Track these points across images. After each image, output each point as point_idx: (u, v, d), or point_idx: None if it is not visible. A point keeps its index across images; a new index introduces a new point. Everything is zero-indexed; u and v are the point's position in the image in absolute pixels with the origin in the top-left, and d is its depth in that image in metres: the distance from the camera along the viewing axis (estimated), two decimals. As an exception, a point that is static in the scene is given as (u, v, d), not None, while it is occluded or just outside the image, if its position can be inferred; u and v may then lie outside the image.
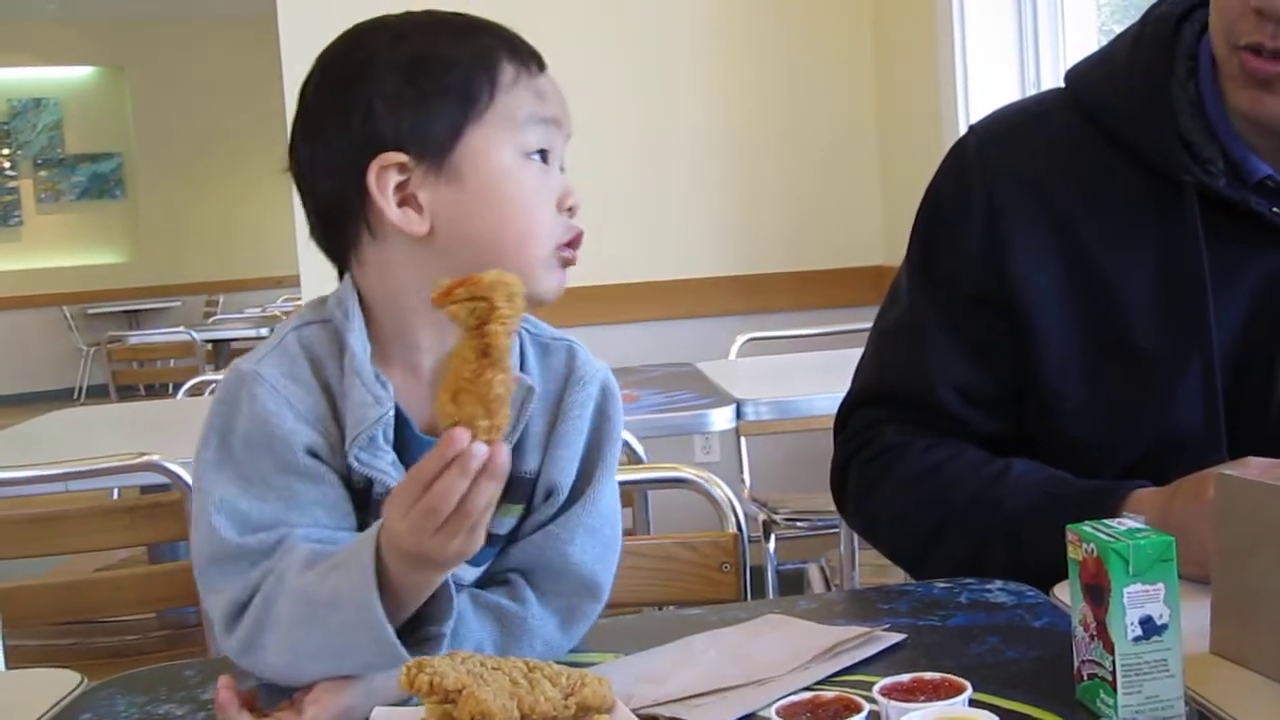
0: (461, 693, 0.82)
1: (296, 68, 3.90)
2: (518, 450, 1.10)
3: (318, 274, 4.09)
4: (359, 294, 1.09)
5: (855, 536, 2.55)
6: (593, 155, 4.04)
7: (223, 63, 11.83)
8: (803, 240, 4.13)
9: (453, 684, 0.82)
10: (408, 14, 1.11)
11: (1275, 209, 1.22)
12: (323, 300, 1.12)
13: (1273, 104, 1.17)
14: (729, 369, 3.14)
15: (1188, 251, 1.23)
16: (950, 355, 1.33)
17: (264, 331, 7.46)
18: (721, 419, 2.49)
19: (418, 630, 1.00)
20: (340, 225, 1.08)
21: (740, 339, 3.52)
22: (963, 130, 1.41)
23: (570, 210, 1.09)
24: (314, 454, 1.05)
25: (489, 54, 1.07)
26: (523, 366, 1.14)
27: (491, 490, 0.92)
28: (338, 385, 1.07)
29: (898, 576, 1.44)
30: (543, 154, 1.09)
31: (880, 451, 1.35)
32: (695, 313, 4.00)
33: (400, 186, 1.05)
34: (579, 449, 1.14)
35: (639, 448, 2.20)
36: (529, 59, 1.10)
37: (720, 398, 2.61)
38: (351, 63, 1.08)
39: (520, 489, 1.12)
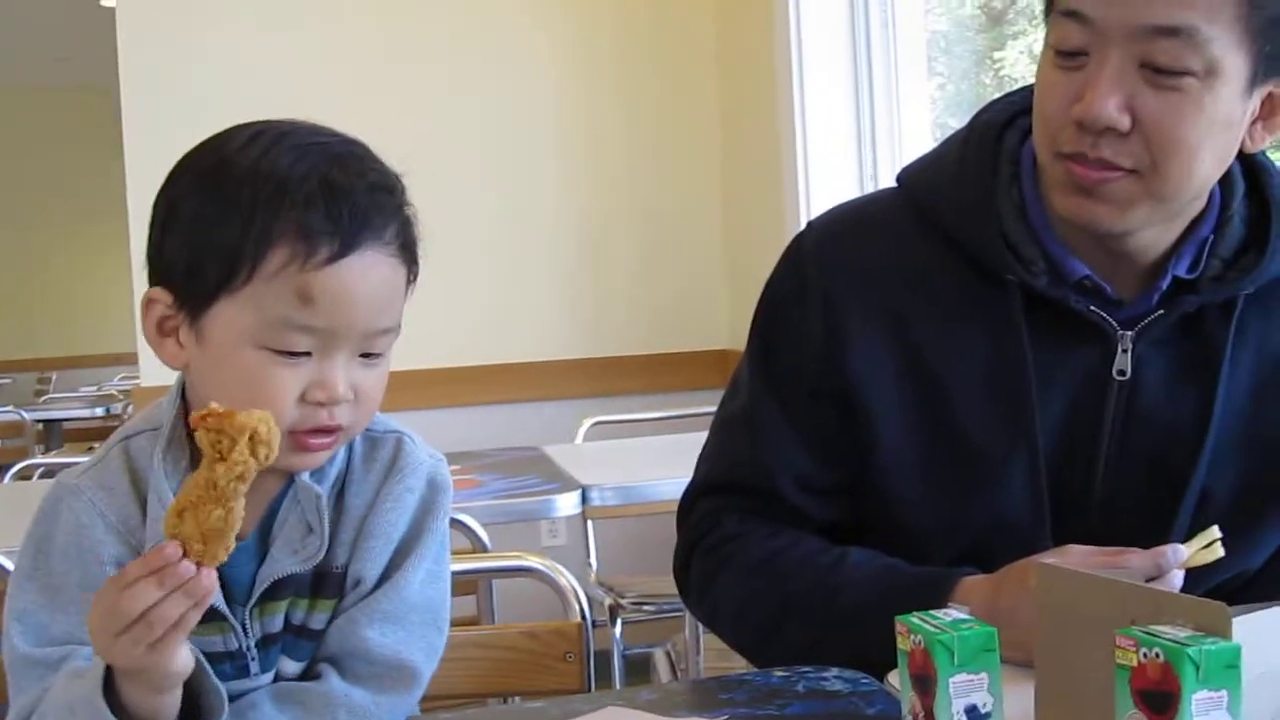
0: None
1: (137, 138, 3.84)
2: (331, 547, 1.12)
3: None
4: (184, 397, 1.12)
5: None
6: (442, 237, 4.04)
7: (59, 131, 11.52)
8: (649, 324, 4.17)
9: None
10: (259, 136, 1.08)
11: (1093, 308, 1.27)
12: (157, 405, 1.13)
13: (1094, 209, 1.22)
14: (575, 453, 3.15)
15: (1012, 347, 1.28)
16: (789, 446, 1.36)
17: (99, 411, 7.24)
18: (567, 504, 2.50)
19: None
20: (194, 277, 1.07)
21: (587, 423, 3.54)
22: (804, 219, 1.45)
23: (320, 402, 1.05)
24: (120, 566, 1.04)
25: (267, 232, 1.03)
26: (348, 460, 1.15)
27: (184, 609, 0.91)
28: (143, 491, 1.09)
29: (743, 661, 1.46)
30: (294, 353, 1.04)
31: (721, 541, 1.37)
32: (542, 395, 4.00)
33: (164, 319, 1.08)
34: (391, 540, 1.15)
35: (483, 534, 2.19)
36: (324, 246, 1.03)
37: (566, 483, 2.62)
38: (189, 170, 1.09)
39: (332, 585, 1.14)
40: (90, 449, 6.04)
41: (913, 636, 0.91)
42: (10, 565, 1.95)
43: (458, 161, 4.03)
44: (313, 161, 1.06)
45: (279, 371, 1.04)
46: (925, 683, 0.90)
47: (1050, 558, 1.16)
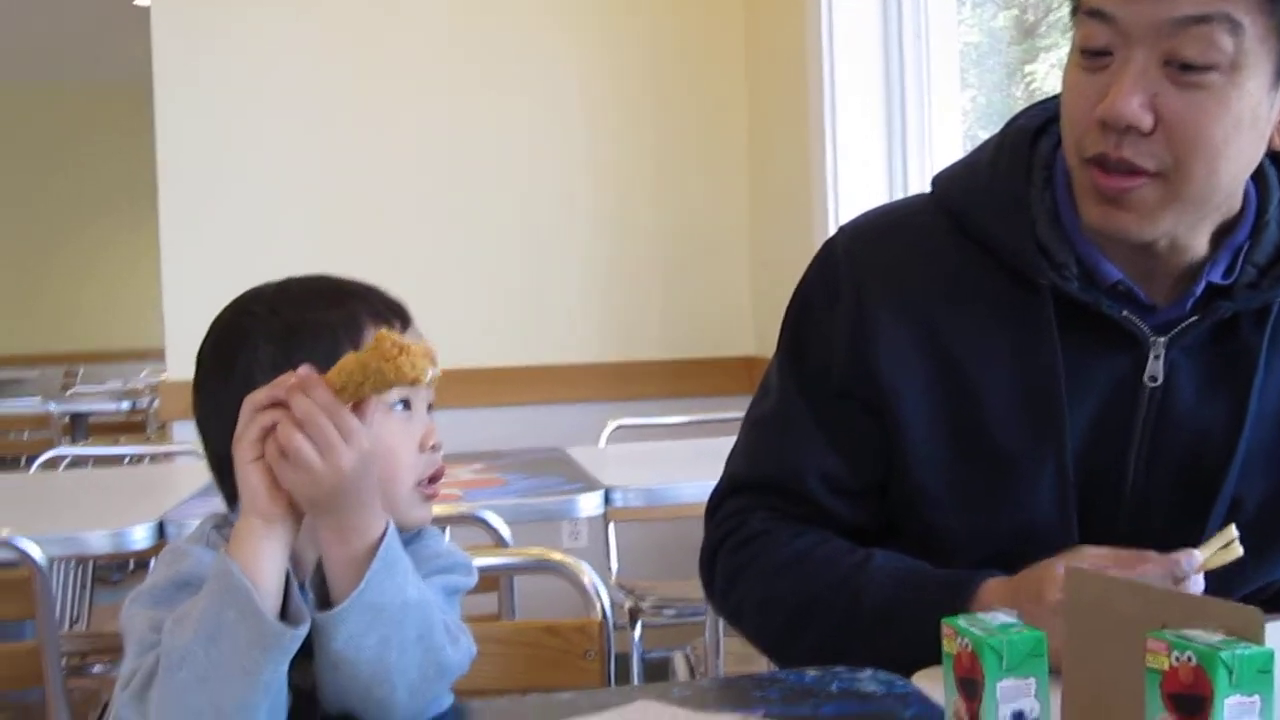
0: None
1: (170, 133, 3.87)
2: None
3: (184, 349, 4.04)
4: None
5: (721, 625, 2.56)
6: (472, 240, 4.07)
7: (93, 130, 11.60)
8: (675, 329, 4.18)
9: None
10: (287, 282, 1.24)
11: (1126, 313, 1.27)
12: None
13: (1122, 219, 1.22)
14: (598, 455, 3.15)
15: (1044, 352, 1.28)
16: (818, 447, 1.36)
17: (124, 405, 7.26)
18: (589, 504, 2.50)
19: None
20: (231, 477, 1.11)
21: (611, 425, 3.54)
22: (832, 229, 1.45)
23: (434, 448, 1.21)
24: None
25: (353, 320, 1.19)
26: None
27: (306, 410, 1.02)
28: None
29: (761, 666, 1.45)
30: (405, 402, 1.20)
31: (747, 539, 1.37)
32: (567, 398, 4.01)
33: None
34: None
35: (505, 531, 2.19)
36: (393, 318, 1.21)
37: (589, 484, 2.62)
38: (234, 332, 1.20)
39: None
40: (115, 441, 6.08)
41: (960, 639, 0.90)
42: (38, 554, 1.97)
43: (487, 165, 4.04)
44: (326, 281, 1.25)
45: (405, 427, 1.20)
46: (971, 686, 0.88)
47: (1064, 560, 1.15)
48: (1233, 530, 1.17)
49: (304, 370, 1.05)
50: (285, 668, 1.05)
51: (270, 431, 1.05)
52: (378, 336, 1.03)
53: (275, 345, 1.17)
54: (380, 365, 1.02)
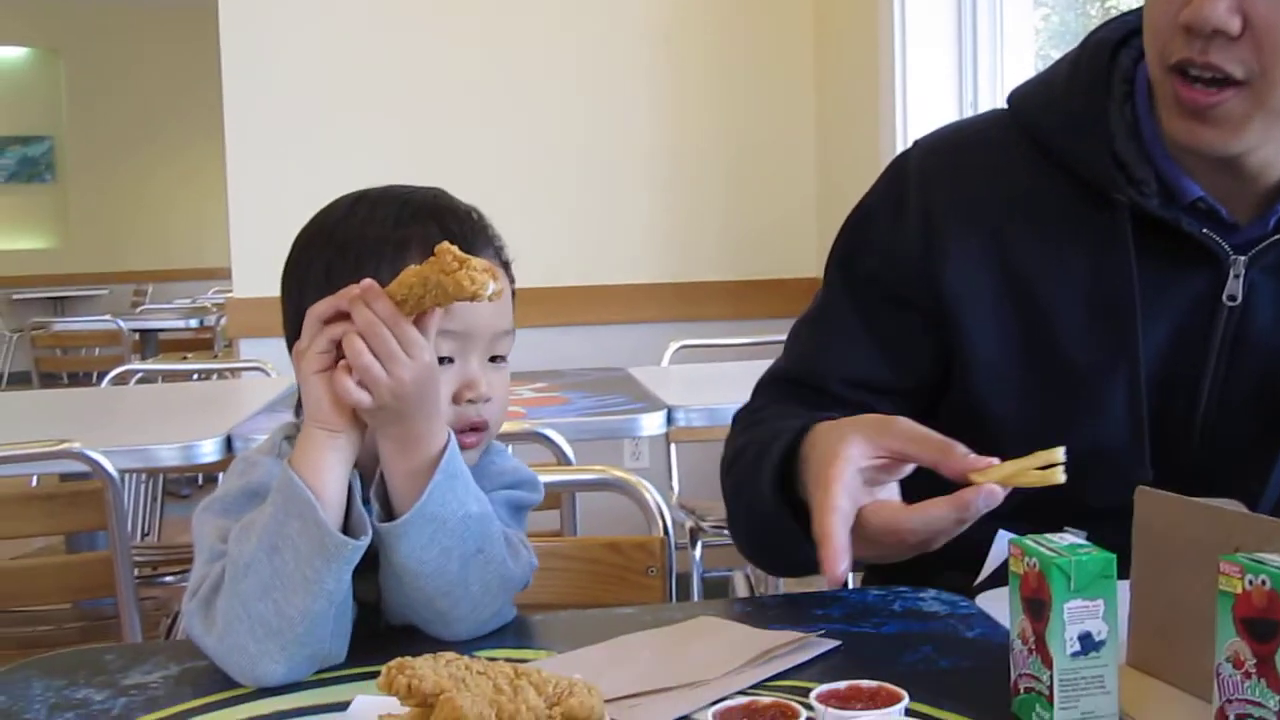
0: (439, 698, 0.81)
1: (235, 59, 3.87)
2: None
3: (250, 267, 4.08)
4: None
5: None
6: (537, 161, 4.05)
7: (160, 50, 11.67)
8: (739, 250, 4.15)
9: (431, 688, 0.81)
10: (362, 194, 1.23)
11: (1205, 230, 1.24)
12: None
13: (1205, 134, 1.18)
14: (661, 375, 3.15)
15: (1118, 270, 1.25)
16: (859, 342, 1.35)
17: (193, 323, 7.35)
18: (652, 424, 2.50)
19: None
20: None
21: (673, 346, 3.53)
22: (900, 149, 1.43)
23: (471, 401, 1.18)
24: None
25: (399, 250, 1.16)
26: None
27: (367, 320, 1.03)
28: None
29: (819, 586, 1.45)
30: (442, 359, 1.16)
31: (749, 413, 1.39)
32: (630, 318, 4.00)
33: None
34: None
35: (568, 449, 2.19)
36: (461, 231, 1.18)
37: (651, 403, 2.62)
38: (306, 244, 1.22)
39: None
40: (184, 358, 6.16)
41: (1027, 559, 0.88)
42: (110, 465, 2.01)
43: (552, 85, 4.02)
44: (408, 195, 1.23)
45: None
46: (1038, 607, 0.87)
47: (868, 427, 1.10)
48: (1060, 454, 1.02)
49: (366, 283, 1.04)
50: (348, 578, 1.06)
51: (334, 344, 1.05)
52: (439, 249, 1.02)
53: (341, 257, 1.18)
54: (440, 278, 1.01)
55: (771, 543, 1.26)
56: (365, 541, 1.06)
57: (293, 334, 1.15)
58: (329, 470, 1.06)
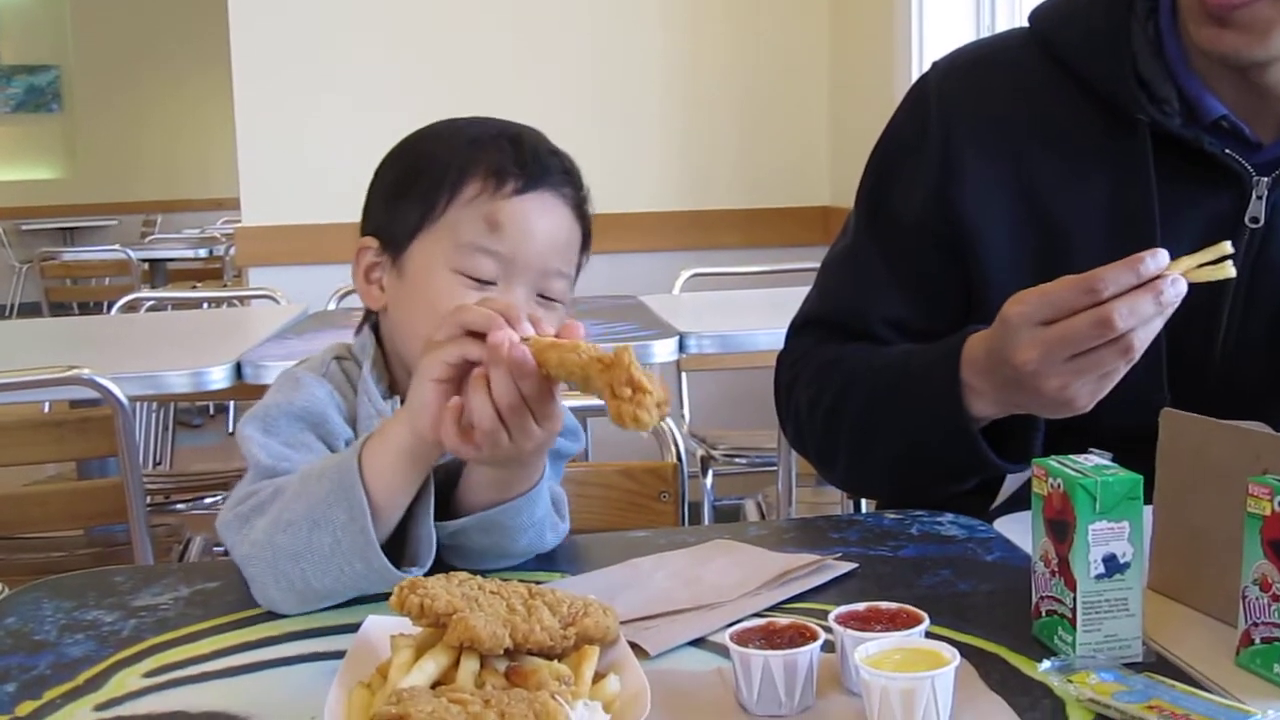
0: (452, 617, 0.80)
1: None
2: None
3: (258, 197, 4.05)
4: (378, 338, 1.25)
5: (794, 473, 2.56)
6: (545, 87, 4.01)
7: (167, -22, 11.56)
8: (750, 178, 4.12)
9: (443, 608, 0.81)
10: (477, 118, 1.25)
11: (1228, 150, 1.21)
12: (345, 345, 1.26)
13: (1231, 39, 1.15)
14: (672, 303, 3.13)
15: (1138, 191, 1.23)
16: (888, 288, 1.33)
17: (202, 252, 7.33)
18: (664, 351, 2.48)
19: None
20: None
21: (685, 274, 3.51)
22: (914, 76, 1.40)
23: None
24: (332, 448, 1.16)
25: (464, 168, 1.18)
26: None
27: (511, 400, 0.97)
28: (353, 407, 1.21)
29: (835, 513, 1.44)
30: (485, 282, 1.16)
31: (804, 355, 1.37)
32: (641, 246, 3.97)
33: (372, 267, 1.22)
34: None
35: (580, 377, 2.18)
36: (511, 180, 1.17)
37: (663, 330, 2.60)
38: (401, 143, 1.25)
39: None
40: (194, 287, 6.15)
41: (1050, 480, 0.86)
42: (119, 392, 2.00)
43: (567, 14, 3.97)
44: (501, 126, 1.23)
45: (468, 295, 1.13)
46: (1062, 529, 0.85)
47: (1019, 304, 1.07)
48: (1227, 246, 1.00)
49: (520, 348, 0.96)
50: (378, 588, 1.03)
51: (465, 365, 0.99)
52: (618, 353, 0.92)
53: (408, 171, 1.21)
54: (601, 388, 0.92)
55: (935, 456, 1.20)
56: (404, 577, 1.00)
57: (367, 227, 1.23)
58: (397, 475, 1.03)
